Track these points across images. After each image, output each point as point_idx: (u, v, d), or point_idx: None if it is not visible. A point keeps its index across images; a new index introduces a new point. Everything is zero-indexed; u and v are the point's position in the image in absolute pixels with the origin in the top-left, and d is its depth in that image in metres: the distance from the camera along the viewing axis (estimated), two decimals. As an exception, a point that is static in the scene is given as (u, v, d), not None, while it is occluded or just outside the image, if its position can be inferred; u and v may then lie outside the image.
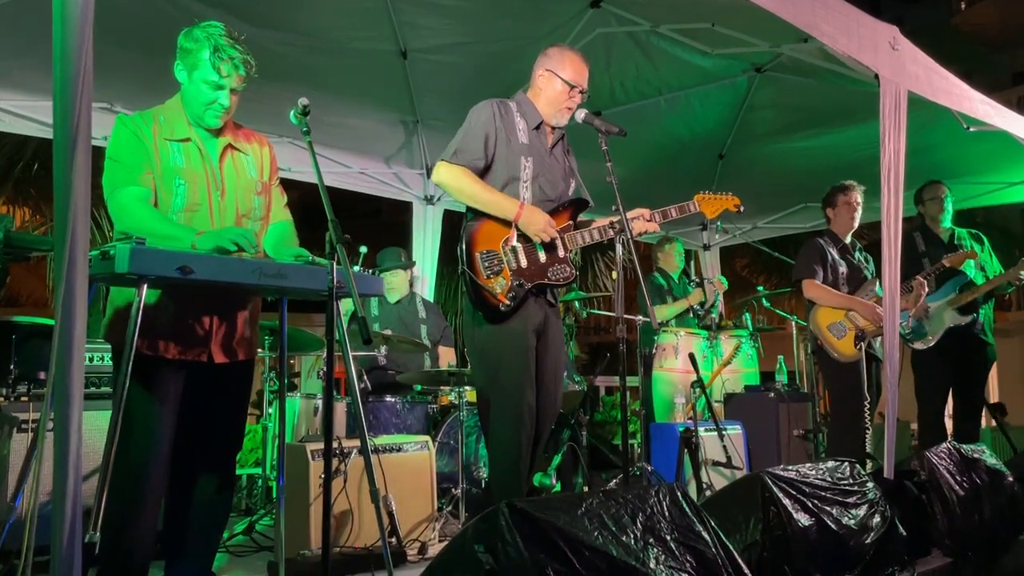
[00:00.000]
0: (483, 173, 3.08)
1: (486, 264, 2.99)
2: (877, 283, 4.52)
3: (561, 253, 3.09)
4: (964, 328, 4.85)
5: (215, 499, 2.65)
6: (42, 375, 3.47)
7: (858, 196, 4.66)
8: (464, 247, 3.01)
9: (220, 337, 2.57)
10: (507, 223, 3.03)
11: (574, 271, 3.14)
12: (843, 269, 4.56)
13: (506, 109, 3.14)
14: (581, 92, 3.17)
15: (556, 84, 3.15)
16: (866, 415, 4.25)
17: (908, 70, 3.76)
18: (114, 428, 2.18)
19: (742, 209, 3.49)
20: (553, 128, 3.23)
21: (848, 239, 4.69)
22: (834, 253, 4.60)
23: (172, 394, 2.47)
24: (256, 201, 2.70)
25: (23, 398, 3.43)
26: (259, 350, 4.69)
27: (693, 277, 6.34)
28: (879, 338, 4.35)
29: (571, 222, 3.16)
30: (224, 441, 2.69)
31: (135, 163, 2.45)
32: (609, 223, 3.16)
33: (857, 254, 4.69)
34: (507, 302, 2.97)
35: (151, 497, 2.44)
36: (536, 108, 3.19)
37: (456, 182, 3.03)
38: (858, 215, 4.66)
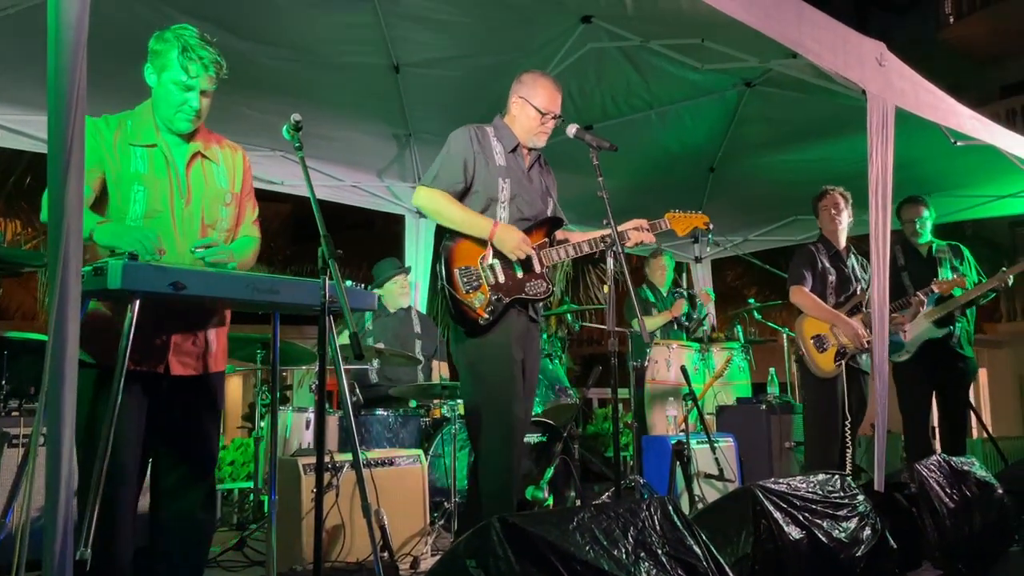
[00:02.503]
0: (463, 195, 3.16)
1: (464, 280, 3.06)
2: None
3: (537, 269, 3.15)
4: (940, 341, 4.89)
5: (197, 515, 2.58)
6: (33, 390, 3.47)
7: (836, 199, 4.54)
8: (443, 264, 3.08)
9: (179, 348, 2.50)
10: (483, 242, 3.10)
11: (551, 286, 3.21)
12: (832, 278, 4.48)
13: (483, 134, 3.22)
14: (554, 118, 3.25)
15: (529, 111, 3.23)
16: (846, 431, 4.22)
17: (895, 86, 3.80)
18: (102, 440, 2.17)
19: (711, 227, 3.56)
20: (530, 150, 3.30)
21: (842, 244, 4.59)
22: (825, 260, 4.51)
23: (131, 406, 2.37)
24: (224, 212, 2.62)
25: (14, 413, 3.42)
26: (251, 363, 4.69)
27: (679, 289, 6.36)
28: (864, 353, 4.36)
29: (547, 239, 3.22)
30: (198, 455, 2.60)
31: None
32: (588, 240, 3.23)
33: (851, 260, 4.61)
34: (486, 316, 3.03)
35: (122, 511, 2.38)
36: (512, 131, 3.26)
37: (433, 204, 3.13)
38: (841, 219, 4.54)
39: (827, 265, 4.50)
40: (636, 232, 3.29)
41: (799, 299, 4.46)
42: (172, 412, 2.52)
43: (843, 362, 4.28)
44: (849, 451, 4.21)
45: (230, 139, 2.79)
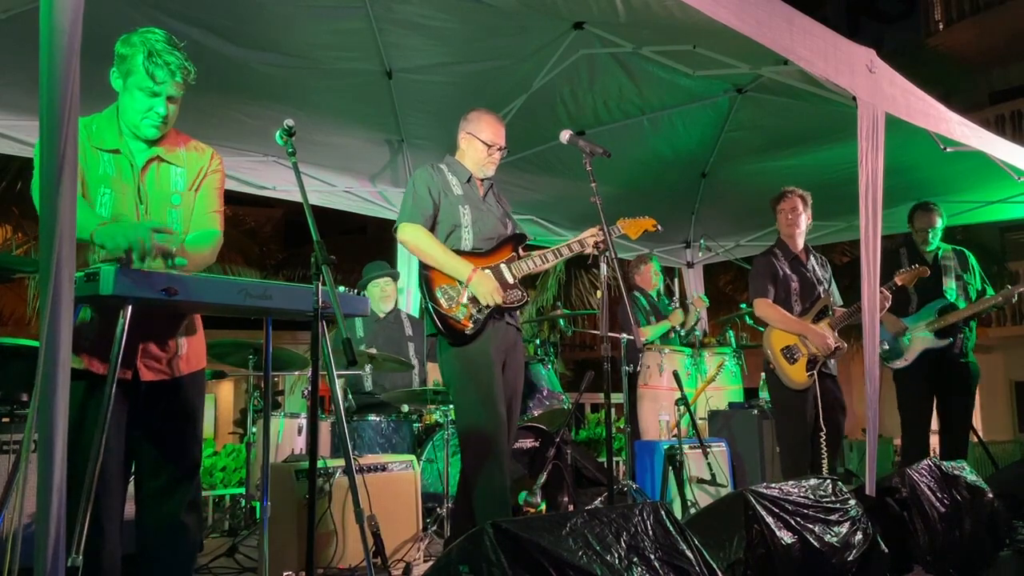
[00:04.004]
0: (432, 225, 3.42)
1: (446, 296, 3.30)
2: (835, 294, 4.48)
3: (511, 280, 3.43)
4: (941, 350, 4.88)
5: (182, 520, 2.55)
6: (24, 396, 3.44)
7: (795, 202, 4.44)
8: (425, 285, 3.33)
9: (147, 353, 2.46)
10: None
11: (525, 294, 3.50)
12: (794, 284, 4.39)
13: (439, 170, 3.52)
14: (499, 150, 3.56)
15: (477, 144, 3.54)
16: (821, 440, 4.18)
17: (885, 92, 3.83)
18: (95, 447, 2.16)
19: (660, 228, 3.79)
20: (482, 180, 3.59)
21: (799, 247, 4.49)
22: (785, 267, 4.42)
23: (106, 412, 2.28)
24: (172, 214, 2.55)
25: (5, 419, 3.40)
26: (243, 369, 4.68)
27: (675, 297, 6.37)
28: (832, 358, 4.34)
29: (514, 254, 3.50)
30: (179, 459, 2.56)
31: None
32: (552, 250, 3.52)
33: (811, 260, 4.52)
34: (471, 325, 3.28)
35: (107, 519, 2.35)
36: (464, 165, 3.56)
37: (417, 242, 3.36)
38: (799, 222, 4.45)
39: (788, 272, 4.42)
40: (592, 239, 3.50)
41: (764, 312, 4.38)
42: (150, 417, 2.49)
43: (815, 371, 4.24)
44: (825, 458, 4.16)
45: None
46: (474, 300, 3.29)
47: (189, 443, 2.60)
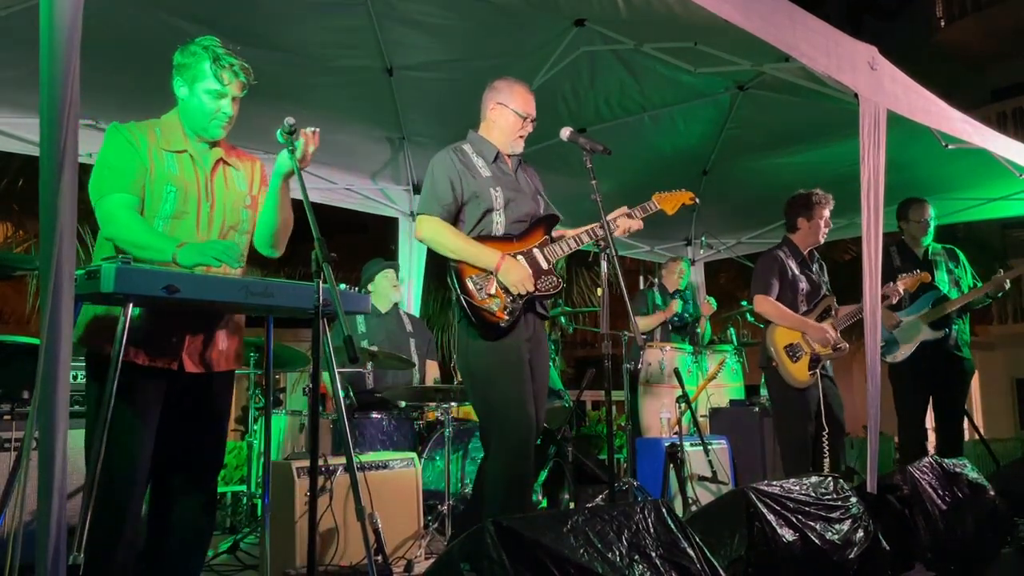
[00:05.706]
0: (457, 215, 3.21)
1: (479, 287, 3.09)
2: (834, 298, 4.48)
3: (545, 265, 3.20)
4: (937, 342, 4.87)
5: (200, 520, 2.60)
6: (25, 394, 3.45)
7: (827, 214, 4.45)
8: (455, 276, 3.11)
9: (193, 347, 2.52)
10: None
11: (560, 280, 3.26)
12: (803, 285, 4.38)
13: (462, 152, 3.28)
14: (532, 121, 3.34)
15: (508, 115, 3.31)
16: (823, 440, 4.17)
17: (887, 89, 3.82)
18: (96, 441, 2.16)
19: (697, 201, 3.61)
20: (510, 156, 3.37)
21: (806, 249, 4.49)
22: (794, 267, 4.40)
23: (146, 403, 2.41)
24: (244, 214, 2.71)
25: (6, 417, 3.41)
26: (244, 367, 4.68)
27: (670, 289, 6.37)
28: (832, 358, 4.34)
29: (547, 236, 3.27)
30: (204, 457, 2.62)
31: (126, 170, 2.45)
32: (586, 231, 3.28)
33: (815, 265, 4.53)
34: (506, 317, 3.07)
35: (132, 512, 2.38)
36: (490, 141, 3.33)
37: (438, 236, 3.16)
38: (825, 232, 4.48)
39: (797, 273, 4.40)
40: (624, 219, 3.35)
41: (763, 308, 4.34)
42: (182, 412, 2.53)
43: (817, 370, 4.23)
44: (828, 457, 4.15)
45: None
46: (505, 290, 3.09)
47: (216, 442, 2.67)
